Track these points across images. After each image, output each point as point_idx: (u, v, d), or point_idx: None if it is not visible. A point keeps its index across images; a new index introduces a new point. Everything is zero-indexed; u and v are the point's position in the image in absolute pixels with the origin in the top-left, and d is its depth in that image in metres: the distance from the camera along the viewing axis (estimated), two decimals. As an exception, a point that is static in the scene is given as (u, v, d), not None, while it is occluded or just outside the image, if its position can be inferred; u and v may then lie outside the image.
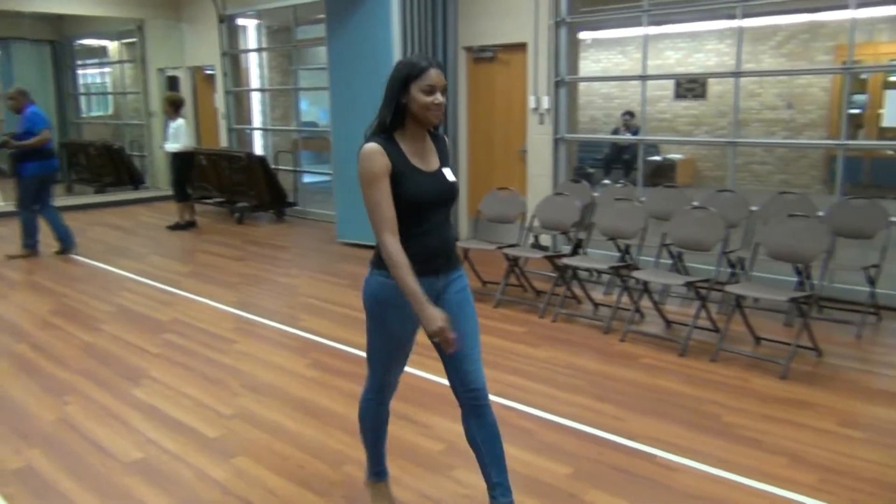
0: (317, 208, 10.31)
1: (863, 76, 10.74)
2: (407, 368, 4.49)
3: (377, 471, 2.95)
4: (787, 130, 11.63)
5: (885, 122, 7.00)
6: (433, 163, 2.56)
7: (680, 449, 3.45)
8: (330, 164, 8.52)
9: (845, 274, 5.55)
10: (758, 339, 4.82)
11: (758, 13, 9.22)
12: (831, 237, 4.75)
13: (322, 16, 8.20)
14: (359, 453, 3.43)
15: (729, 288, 4.73)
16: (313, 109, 13.75)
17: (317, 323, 5.50)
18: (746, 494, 3.07)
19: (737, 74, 6.38)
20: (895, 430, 3.72)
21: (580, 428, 3.70)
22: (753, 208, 5.72)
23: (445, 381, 4.21)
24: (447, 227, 2.62)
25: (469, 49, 8.03)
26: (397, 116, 2.47)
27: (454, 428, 3.70)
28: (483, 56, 7.96)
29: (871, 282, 5.11)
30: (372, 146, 2.44)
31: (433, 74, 2.43)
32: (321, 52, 9.10)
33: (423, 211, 2.50)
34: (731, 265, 5.64)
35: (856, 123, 10.46)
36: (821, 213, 5.37)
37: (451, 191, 2.58)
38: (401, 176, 2.44)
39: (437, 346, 2.60)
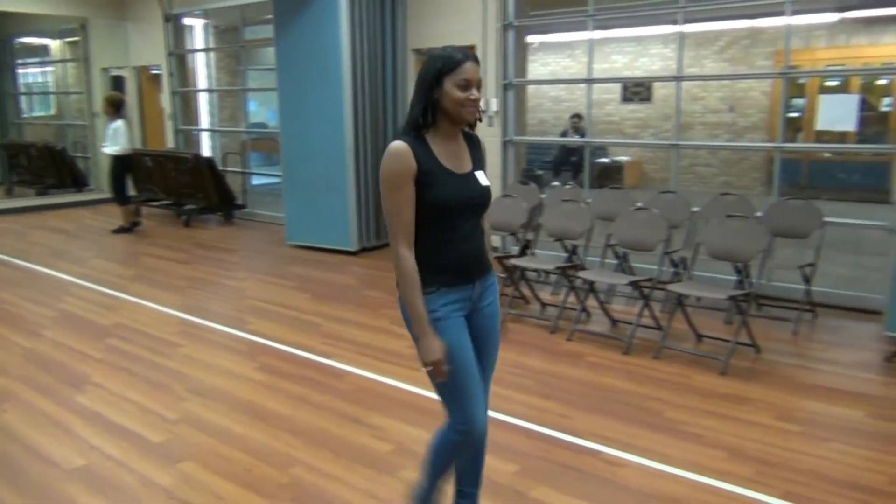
0: (266, 210, 10.21)
1: (801, 81, 11.10)
2: (355, 370, 4.53)
3: (432, 499, 2.65)
4: (729, 133, 11.95)
5: (819, 126, 7.25)
6: (466, 165, 2.37)
7: (624, 445, 3.53)
8: (279, 165, 8.45)
9: (782, 272, 5.73)
10: (699, 337, 4.95)
11: (699, 19, 9.45)
12: (769, 237, 4.91)
13: (271, 16, 8.14)
14: (306, 455, 3.44)
15: (671, 287, 4.84)
16: (262, 110, 13.62)
17: (265, 326, 5.46)
18: (687, 488, 3.15)
19: (678, 78, 6.53)
20: (829, 423, 3.86)
21: (527, 426, 3.76)
22: (695, 209, 5.87)
23: (394, 383, 4.28)
24: (480, 233, 2.44)
25: (418, 51, 8.06)
26: (429, 113, 2.28)
27: (403, 429, 3.73)
28: (432, 58, 7.98)
29: (807, 280, 5.29)
30: (398, 145, 2.24)
31: (469, 68, 2.24)
32: (270, 53, 9.04)
33: (454, 216, 2.32)
34: (675, 264, 5.77)
35: (794, 127, 10.81)
36: (759, 214, 5.53)
37: (483, 195, 2.39)
38: (430, 177, 2.26)
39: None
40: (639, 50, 12.77)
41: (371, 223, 7.96)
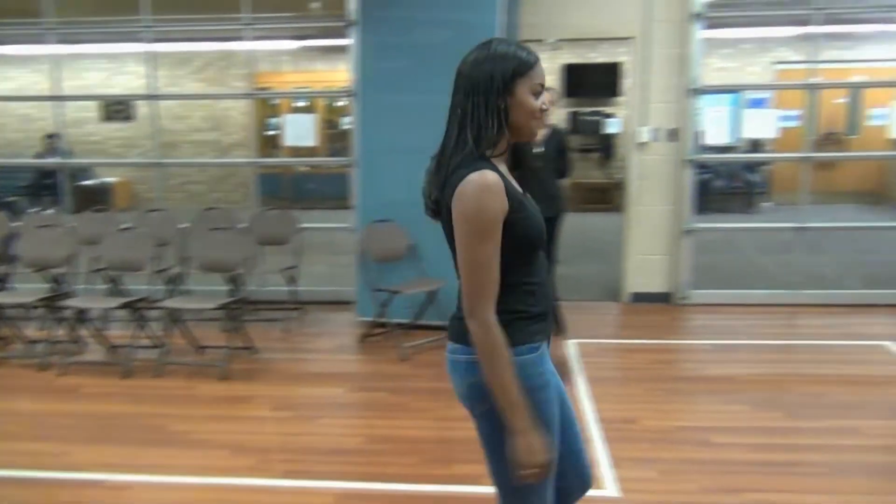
0: None
1: (274, 102, 12.04)
2: None
3: None
4: (215, 151, 12.38)
5: (287, 143, 8.02)
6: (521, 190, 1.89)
7: (129, 467, 3.49)
8: None
9: (273, 277, 6.22)
10: (199, 348, 5.11)
11: (172, 39, 9.58)
12: (254, 245, 5.30)
13: None
14: None
15: (164, 304, 4.90)
16: None
17: None
18: (194, 492, 3.29)
19: (154, 97, 6.58)
20: (317, 403, 4.40)
21: (20, 475, 3.45)
22: (184, 225, 6.00)
23: None
24: None
25: None
26: (504, 129, 1.76)
27: None
28: None
29: (292, 281, 5.86)
30: (489, 176, 1.68)
31: (542, 70, 1.78)
32: None
33: (537, 252, 1.85)
34: (170, 281, 5.81)
35: (273, 144, 11.68)
36: (244, 225, 5.92)
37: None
38: (519, 211, 1.74)
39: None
40: (115, 67, 12.39)
41: None
